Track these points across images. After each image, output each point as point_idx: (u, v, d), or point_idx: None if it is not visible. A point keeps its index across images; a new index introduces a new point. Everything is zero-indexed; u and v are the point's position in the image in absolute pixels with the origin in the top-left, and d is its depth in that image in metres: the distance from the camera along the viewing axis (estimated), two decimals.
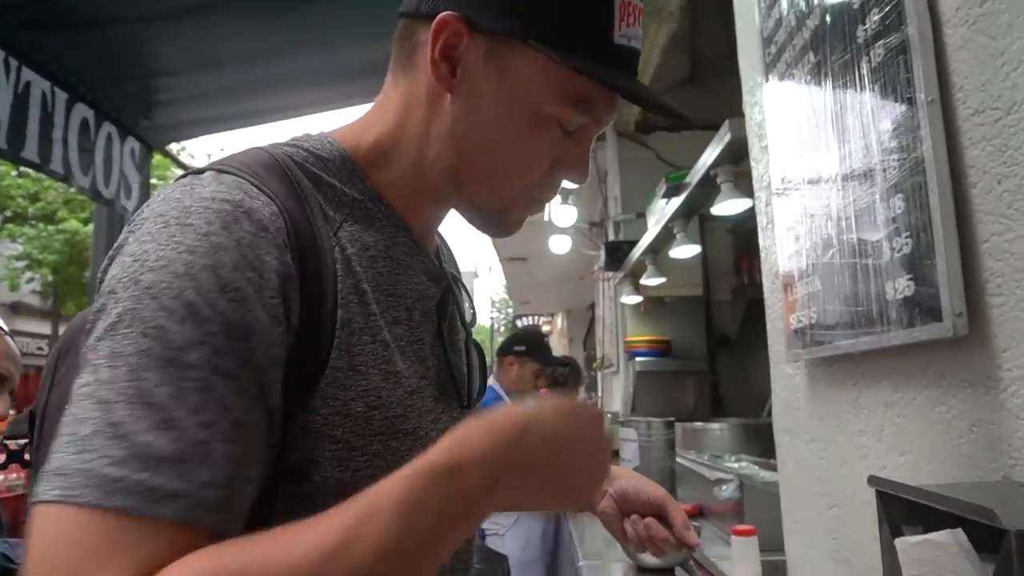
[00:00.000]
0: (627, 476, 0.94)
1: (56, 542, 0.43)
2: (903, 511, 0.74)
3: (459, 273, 0.85)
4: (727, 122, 1.94)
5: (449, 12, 0.59)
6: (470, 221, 0.69)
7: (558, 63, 0.58)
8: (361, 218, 0.63)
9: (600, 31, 0.59)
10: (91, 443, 0.44)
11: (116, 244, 0.55)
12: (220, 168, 0.57)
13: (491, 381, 3.01)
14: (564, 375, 3.50)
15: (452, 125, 0.62)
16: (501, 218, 0.68)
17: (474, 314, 0.81)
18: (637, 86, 0.62)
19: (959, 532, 0.61)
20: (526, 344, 2.99)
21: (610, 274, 4.12)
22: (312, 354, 0.55)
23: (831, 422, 1.22)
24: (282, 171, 0.59)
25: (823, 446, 1.25)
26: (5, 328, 1.43)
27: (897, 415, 1.00)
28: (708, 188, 2.31)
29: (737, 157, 2.06)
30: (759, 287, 3.68)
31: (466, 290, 0.82)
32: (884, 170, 0.93)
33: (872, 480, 0.75)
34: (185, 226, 0.51)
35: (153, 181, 3.49)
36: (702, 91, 3.90)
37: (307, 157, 0.63)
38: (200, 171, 0.58)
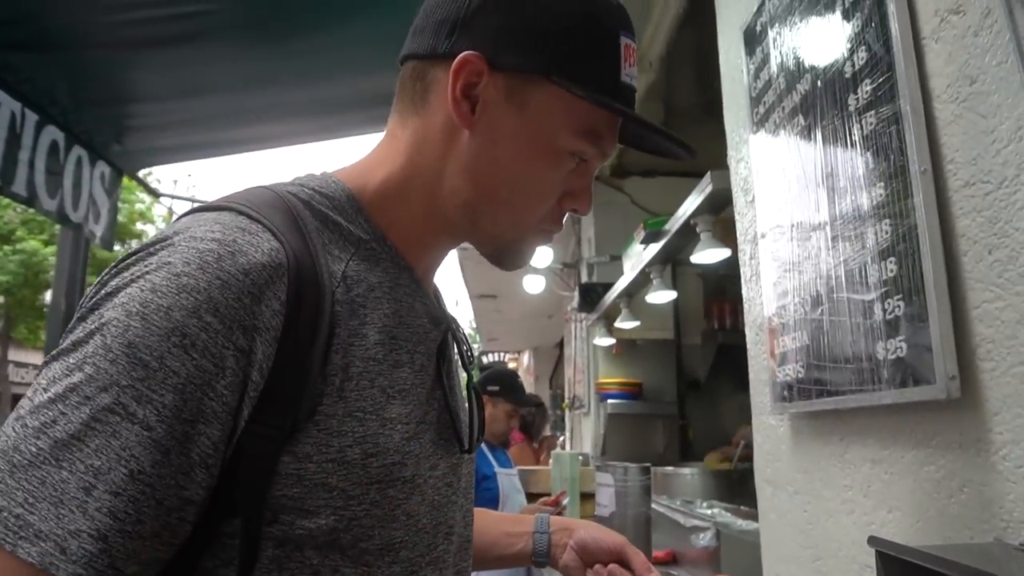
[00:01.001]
0: (584, 527, 0.94)
1: None
2: (897, 570, 0.75)
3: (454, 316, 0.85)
4: (709, 174, 1.99)
5: (470, 51, 0.61)
6: (485, 254, 0.70)
7: (582, 97, 0.60)
8: (367, 257, 0.63)
9: (611, 69, 0.63)
10: None
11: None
12: (224, 205, 0.58)
13: None
14: (532, 414, 3.50)
15: (471, 160, 0.64)
16: (515, 250, 0.69)
17: (472, 357, 0.80)
18: (645, 120, 0.64)
19: None
20: (500, 384, 3.00)
21: (583, 315, 4.15)
22: (295, 399, 0.54)
23: (816, 475, 1.23)
24: (286, 208, 0.59)
25: (808, 499, 1.27)
26: None
27: (885, 472, 1.02)
28: (686, 236, 2.36)
29: (717, 208, 2.12)
30: (729, 332, 3.75)
31: (464, 332, 0.82)
32: (876, 233, 0.97)
33: (872, 540, 0.76)
34: (163, 264, 0.51)
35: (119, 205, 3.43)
36: None
37: (313, 195, 0.63)
38: (206, 207, 0.58)
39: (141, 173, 3.71)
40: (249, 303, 0.52)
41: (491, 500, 2.88)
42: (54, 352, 0.50)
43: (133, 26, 2.25)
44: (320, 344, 0.55)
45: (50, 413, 0.46)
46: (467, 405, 0.78)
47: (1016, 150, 0.77)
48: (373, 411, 0.58)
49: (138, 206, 12.36)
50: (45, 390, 0.48)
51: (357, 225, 0.64)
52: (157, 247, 0.53)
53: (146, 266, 0.52)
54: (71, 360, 0.48)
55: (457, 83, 0.61)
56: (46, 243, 10.97)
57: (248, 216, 0.56)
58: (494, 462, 2.99)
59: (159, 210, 12.50)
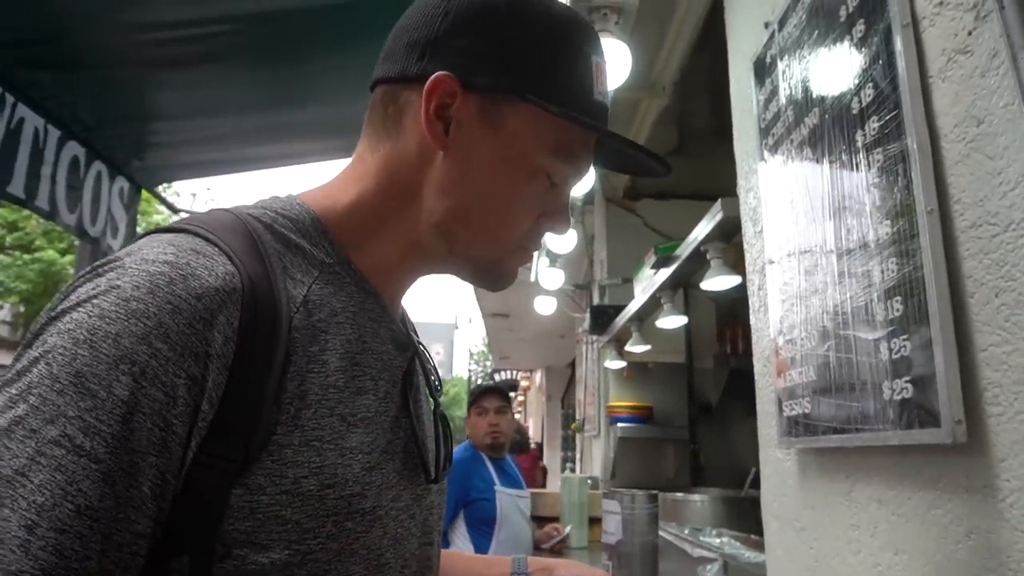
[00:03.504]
0: (565, 565, 0.94)
1: None
2: None
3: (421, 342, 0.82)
4: (719, 201, 1.98)
5: (443, 72, 0.60)
6: (465, 278, 0.69)
7: (557, 115, 0.61)
8: (330, 281, 0.61)
9: (584, 87, 0.63)
10: None
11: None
12: (180, 227, 0.56)
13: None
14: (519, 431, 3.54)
15: (446, 182, 0.63)
16: (495, 270, 0.68)
17: (439, 385, 0.78)
18: (619, 135, 0.64)
19: None
20: (470, 397, 3.13)
21: (594, 337, 4.13)
22: (248, 429, 0.52)
23: (822, 512, 1.21)
24: (246, 231, 0.58)
25: (814, 536, 1.25)
26: None
27: (892, 512, 1.01)
28: (697, 262, 2.35)
29: (727, 235, 2.11)
30: (741, 356, 3.72)
31: (431, 359, 0.79)
32: (883, 271, 0.96)
33: None
34: (112, 288, 0.49)
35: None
36: (689, 162, 4.00)
37: (276, 218, 0.61)
38: (163, 228, 0.57)
39: (160, 187, 3.77)
40: (201, 329, 0.50)
41: (483, 521, 2.82)
42: None
43: (154, 47, 2.30)
44: (275, 371, 0.53)
45: None
46: (435, 433, 0.75)
47: (1023, 193, 0.76)
48: (331, 440, 0.56)
49: (156, 217, 12.52)
50: None
51: (321, 248, 0.62)
52: (106, 268, 0.52)
53: (94, 288, 0.50)
54: (14, 391, 0.46)
55: (430, 104, 0.61)
56: (64, 252, 11.11)
57: (204, 238, 0.55)
58: (496, 478, 2.94)
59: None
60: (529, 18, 0.62)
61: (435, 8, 0.63)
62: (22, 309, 12.36)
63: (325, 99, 2.76)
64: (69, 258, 10.96)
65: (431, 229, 0.64)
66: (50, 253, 11.32)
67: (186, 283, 0.50)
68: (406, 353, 0.67)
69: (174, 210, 4.54)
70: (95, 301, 0.49)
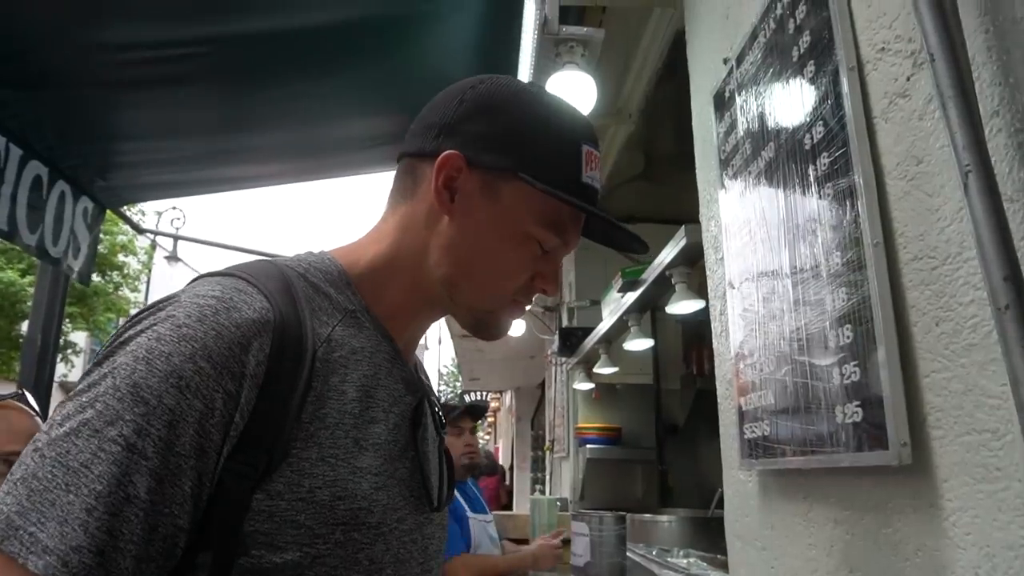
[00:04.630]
0: None
1: None
2: None
3: (431, 385, 0.92)
4: (683, 227, 2.04)
5: (451, 151, 0.71)
6: (464, 325, 0.78)
7: (542, 191, 0.70)
8: (352, 325, 0.71)
9: (571, 171, 0.73)
10: (15, 489, 0.52)
11: None
12: (228, 272, 0.67)
13: None
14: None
15: (450, 241, 0.73)
16: (492, 321, 0.77)
17: (444, 424, 0.89)
18: (601, 214, 0.74)
19: None
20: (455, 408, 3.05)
21: (563, 359, 4.16)
22: (271, 441, 0.60)
23: (782, 532, 1.25)
24: (282, 277, 0.68)
25: (775, 555, 1.28)
26: (36, 408, 1.36)
27: (846, 532, 1.04)
28: (663, 286, 2.40)
29: (691, 260, 2.17)
30: (707, 377, 3.77)
31: (438, 402, 0.89)
32: (834, 299, 1.01)
33: None
34: (169, 317, 0.59)
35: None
36: (654, 185, 4.10)
37: (308, 269, 0.72)
38: (213, 273, 0.68)
39: (124, 207, 3.72)
40: (239, 352, 0.59)
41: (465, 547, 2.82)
42: (71, 392, 0.58)
43: (120, 67, 2.28)
44: (298, 394, 0.62)
45: (65, 445, 0.53)
46: (438, 468, 0.83)
47: (958, 229, 0.81)
48: (344, 458, 0.64)
49: (120, 238, 12.28)
50: (60, 425, 0.55)
51: (345, 297, 0.72)
52: (166, 303, 0.62)
53: (155, 319, 0.60)
54: (84, 399, 0.56)
55: (440, 175, 0.71)
56: (23, 273, 10.83)
57: (247, 281, 0.65)
58: (464, 504, 2.92)
59: (142, 242, 12.40)
60: (531, 112, 0.73)
61: (453, 98, 0.74)
62: None
63: (288, 124, 2.78)
64: (29, 279, 10.67)
65: (437, 281, 0.74)
66: (9, 274, 11.02)
67: (229, 314, 0.60)
68: (416, 394, 0.76)
69: (139, 230, 4.48)
70: (155, 328, 0.59)
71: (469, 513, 2.86)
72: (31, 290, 9.28)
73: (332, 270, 0.73)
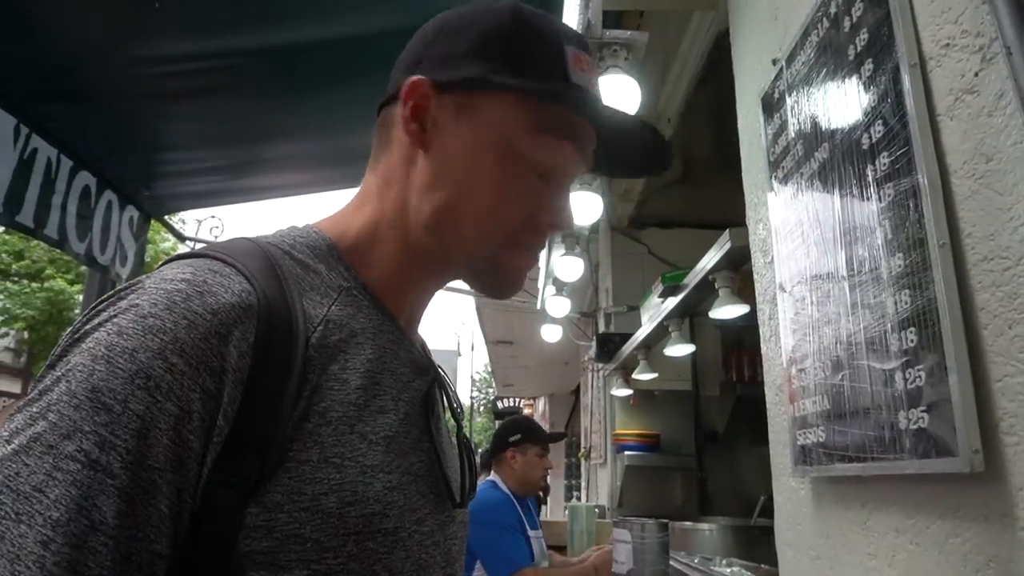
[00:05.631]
0: None
1: None
2: None
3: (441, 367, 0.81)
4: (728, 231, 2.01)
5: (415, 77, 0.63)
6: (467, 281, 0.69)
7: (522, 88, 0.61)
8: (349, 303, 0.62)
9: (556, 70, 0.63)
10: None
11: None
12: (200, 252, 0.58)
13: (492, 476, 2.91)
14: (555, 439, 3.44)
15: (430, 178, 0.64)
16: (492, 268, 0.66)
17: (461, 409, 0.78)
18: (598, 104, 0.64)
19: None
20: (520, 432, 2.95)
21: (600, 365, 4.14)
22: (263, 445, 0.51)
23: (838, 541, 1.22)
24: (263, 255, 0.59)
25: (829, 564, 1.25)
26: None
27: (910, 542, 1.01)
28: (705, 291, 2.37)
29: (735, 264, 2.14)
30: (747, 384, 3.72)
31: (451, 385, 0.79)
32: (896, 302, 0.98)
33: None
34: (131, 307, 0.50)
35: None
36: (693, 191, 4.06)
37: (294, 245, 0.63)
38: (184, 255, 0.58)
39: (167, 216, 3.82)
40: (216, 344, 0.50)
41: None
42: (20, 403, 0.48)
43: (164, 79, 2.36)
44: (291, 387, 0.53)
45: (13, 466, 0.44)
46: (459, 457, 0.74)
47: None
48: (352, 457, 0.55)
49: (163, 245, 12.60)
50: (7, 442, 0.45)
51: (338, 273, 0.63)
52: (127, 291, 0.52)
53: (115, 309, 0.50)
54: (35, 409, 0.46)
55: (407, 105, 0.63)
56: (72, 282, 11.17)
57: (222, 261, 0.56)
58: (526, 520, 2.88)
59: (184, 250, 12.72)
60: (501, 19, 0.63)
61: (420, 35, 0.67)
62: (26, 336, 12.37)
63: (327, 131, 2.82)
64: (78, 287, 11.00)
65: (421, 230, 0.64)
66: (59, 282, 11.39)
67: (202, 299, 0.51)
68: (425, 377, 0.67)
69: (182, 238, 4.57)
70: (115, 320, 0.49)
71: (530, 532, 2.83)
72: (79, 298, 9.56)
73: (320, 244, 0.64)
